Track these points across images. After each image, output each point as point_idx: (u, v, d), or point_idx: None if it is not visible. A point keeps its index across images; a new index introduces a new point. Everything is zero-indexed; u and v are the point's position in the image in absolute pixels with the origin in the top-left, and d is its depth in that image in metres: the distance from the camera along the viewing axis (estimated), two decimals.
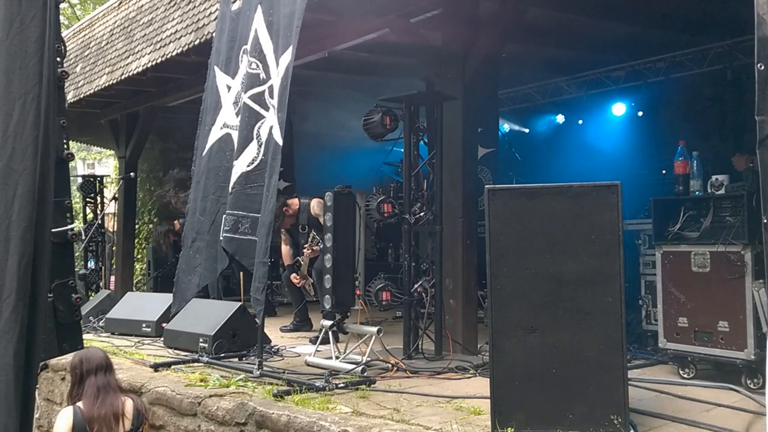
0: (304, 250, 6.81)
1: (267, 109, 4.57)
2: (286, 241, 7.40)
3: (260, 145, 4.56)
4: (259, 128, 4.60)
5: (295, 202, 7.19)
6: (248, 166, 4.62)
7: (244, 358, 5.71)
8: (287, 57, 4.38)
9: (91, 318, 7.78)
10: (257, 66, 4.66)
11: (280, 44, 4.49)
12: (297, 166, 11.32)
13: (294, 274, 7.06)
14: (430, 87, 5.87)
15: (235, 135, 4.82)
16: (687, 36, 7.80)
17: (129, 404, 4.14)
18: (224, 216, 4.74)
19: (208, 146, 5.06)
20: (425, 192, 5.73)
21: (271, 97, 4.53)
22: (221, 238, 4.73)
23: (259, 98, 4.64)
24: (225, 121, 4.96)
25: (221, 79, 5.08)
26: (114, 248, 11.36)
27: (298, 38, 4.32)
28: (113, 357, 6.02)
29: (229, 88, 4.99)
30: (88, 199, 11.19)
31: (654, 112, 8.94)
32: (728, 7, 6.46)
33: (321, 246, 6.50)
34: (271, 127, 4.51)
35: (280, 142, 4.39)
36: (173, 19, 7.91)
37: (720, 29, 7.51)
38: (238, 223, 4.59)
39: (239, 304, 6.18)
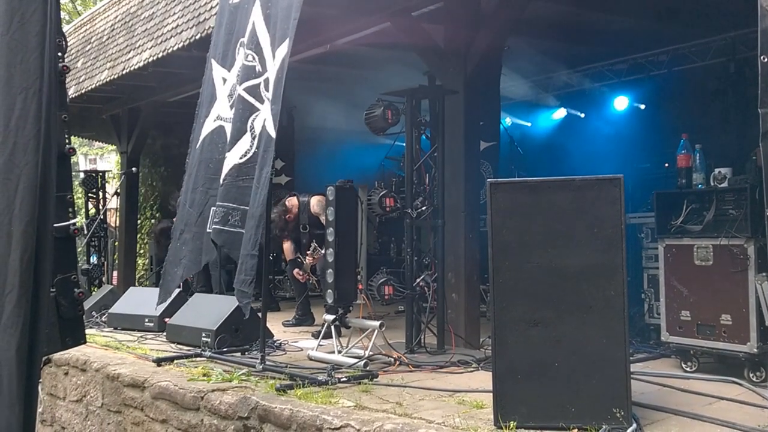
0: (307, 258, 6.81)
1: (262, 101, 4.55)
2: (287, 237, 7.40)
3: (254, 138, 4.54)
4: (253, 121, 4.58)
5: (294, 203, 7.17)
6: (241, 158, 4.60)
7: (246, 353, 5.72)
8: (283, 49, 4.37)
9: (93, 313, 7.80)
10: (253, 58, 4.64)
11: (277, 37, 4.47)
12: (298, 161, 11.32)
13: (297, 270, 7.06)
14: (431, 81, 5.86)
15: (228, 127, 4.81)
16: (690, 29, 7.77)
17: None
18: (213, 208, 4.72)
19: (201, 138, 5.04)
20: (427, 186, 5.72)
21: (267, 89, 4.51)
22: (210, 230, 4.71)
23: (254, 90, 4.62)
24: (219, 114, 4.94)
25: (217, 71, 5.06)
26: (116, 243, 11.37)
27: (295, 31, 4.30)
28: (116, 352, 6.05)
29: (224, 80, 4.97)
30: (90, 195, 11.20)
31: (657, 105, 8.92)
32: None
33: (320, 244, 6.50)
34: (264, 120, 4.50)
35: (274, 134, 4.38)
36: (174, 13, 7.90)
37: (723, 22, 7.48)
38: (228, 216, 4.57)
39: None
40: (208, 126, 4.99)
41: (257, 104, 4.57)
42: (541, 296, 3.50)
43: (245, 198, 4.49)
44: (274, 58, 4.47)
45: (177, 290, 7.66)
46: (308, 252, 6.72)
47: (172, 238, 5.19)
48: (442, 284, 5.66)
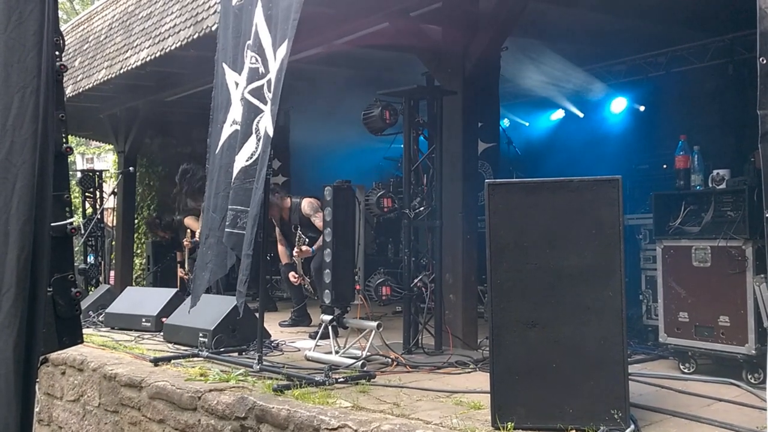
0: (295, 252, 6.79)
1: (265, 103, 4.56)
2: (281, 241, 7.40)
3: (258, 140, 4.56)
4: (258, 122, 4.59)
5: (287, 203, 7.17)
6: (247, 160, 4.62)
7: (243, 353, 5.71)
8: (283, 50, 4.37)
9: (90, 312, 7.78)
10: (257, 60, 4.66)
11: (277, 37, 4.47)
12: (295, 161, 11.30)
13: (292, 273, 7.06)
14: (429, 81, 5.85)
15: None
16: (688, 30, 7.78)
17: None
18: (227, 211, 4.76)
19: (220, 144, 5.07)
20: (425, 187, 5.72)
21: (269, 91, 4.52)
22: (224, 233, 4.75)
23: (258, 92, 4.63)
24: (234, 118, 4.97)
25: (230, 76, 5.08)
26: (113, 243, 11.35)
27: (295, 32, 4.31)
28: (113, 351, 6.04)
29: (237, 84, 4.99)
30: (87, 194, 11.17)
31: (655, 107, 8.92)
32: (730, 1, 6.44)
33: (314, 249, 6.49)
34: (266, 121, 4.52)
35: (271, 133, 4.40)
36: (172, 12, 7.89)
37: (721, 23, 7.48)
38: (237, 218, 4.60)
39: None
40: (226, 131, 5.01)
41: (261, 106, 4.58)
42: (539, 297, 3.50)
43: (251, 200, 4.50)
44: (275, 59, 4.48)
45: (174, 290, 7.70)
46: (296, 244, 6.70)
47: (200, 242, 5.25)
48: (440, 285, 5.66)
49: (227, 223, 4.65)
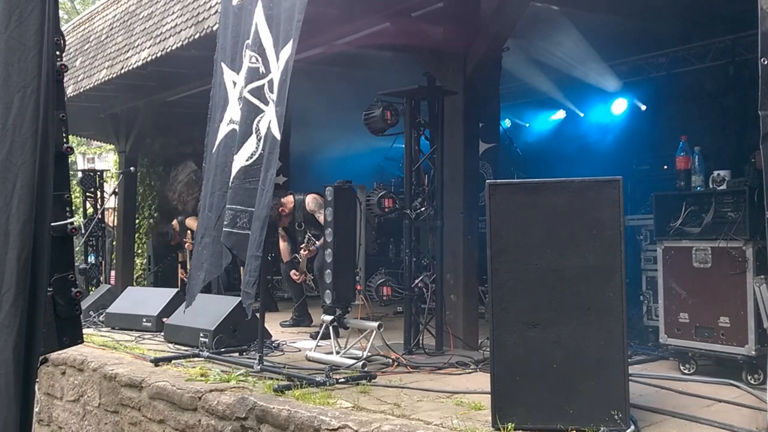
0: (301, 251, 6.80)
1: (266, 103, 4.56)
2: (284, 237, 7.39)
3: (259, 140, 4.56)
4: (258, 122, 4.59)
5: (290, 200, 7.17)
6: (247, 160, 4.62)
7: (244, 353, 5.71)
8: (287, 51, 4.37)
9: (91, 312, 7.78)
10: (257, 60, 4.66)
11: (280, 38, 4.47)
12: (296, 162, 11.30)
13: (293, 271, 7.06)
14: (430, 82, 5.85)
15: (239, 130, 4.84)
16: (689, 31, 7.78)
17: None
18: (225, 211, 4.75)
19: (217, 143, 5.07)
20: (426, 187, 5.72)
21: (271, 91, 4.52)
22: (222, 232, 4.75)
23: (258, 92, 4.63)
24: (231, 117, 4.97)
25: (228, 75, 5.08)
26: (114, 243, 11.35)
27: (299, 32, 4.30)
28: (113, 352, 6.04)
29: (234, 84, 4.99)
30: (88, 194, 11.17)
31: (656, 107, 8.91)
32: (731, 1, 6.44)
33: (317, 245, 6.51)
34: (269, 122, 4.51)
35: (278, 136, 4.40)
36: (173, 12, 7.89)
37: (722, 24, 7.48)
38: (236, 218, 4.60)
39: (240, 299, 6.17)
40: (223, 130, 5.02)
41: (262, 106, 4.58)
42: (540, 298, 3.49)
43: (252, 200, 4.50)
44: (278, 60, 4.47)
45: (175, 290, 7.70)
46: (302, 246, 6.71)
47: (195, 242, 5.25)
48: (441, 285, 5.66)
49: (225, 223, 4.64)
